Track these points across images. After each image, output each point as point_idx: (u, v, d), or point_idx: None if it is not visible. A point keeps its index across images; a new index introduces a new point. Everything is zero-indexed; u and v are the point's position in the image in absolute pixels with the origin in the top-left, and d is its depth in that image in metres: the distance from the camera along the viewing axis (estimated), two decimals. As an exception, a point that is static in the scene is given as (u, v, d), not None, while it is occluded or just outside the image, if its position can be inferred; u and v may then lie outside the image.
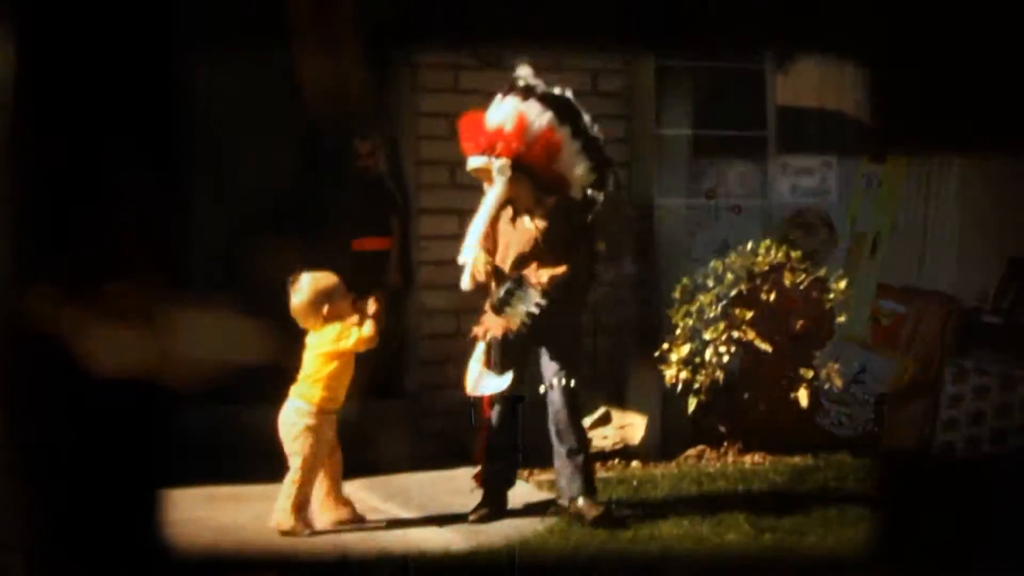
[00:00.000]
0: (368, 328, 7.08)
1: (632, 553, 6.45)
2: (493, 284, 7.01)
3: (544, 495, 7.57)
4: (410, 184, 9.27)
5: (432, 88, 9.04)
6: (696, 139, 10.01)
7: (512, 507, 7.35)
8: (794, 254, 8.85)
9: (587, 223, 7.00)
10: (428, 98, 9.06)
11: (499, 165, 6.81)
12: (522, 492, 7.81)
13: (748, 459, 8.58)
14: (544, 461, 7.40)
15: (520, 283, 6.87)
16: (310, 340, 7.20)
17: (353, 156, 9.34)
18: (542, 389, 7.07)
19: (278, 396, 8.66)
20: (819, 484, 7.83)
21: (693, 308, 8.72)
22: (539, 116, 6.92)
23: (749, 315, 8.59)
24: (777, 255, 8.81)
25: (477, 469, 7.26)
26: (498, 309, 6.90)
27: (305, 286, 7.14)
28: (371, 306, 7.11)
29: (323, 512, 7.16)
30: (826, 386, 8.76)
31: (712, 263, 8.89)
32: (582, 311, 7.31)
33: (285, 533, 6.96)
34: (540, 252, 7.00)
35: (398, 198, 9.32)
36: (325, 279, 7.17)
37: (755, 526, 6.82)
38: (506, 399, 7.04)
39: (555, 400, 7.03)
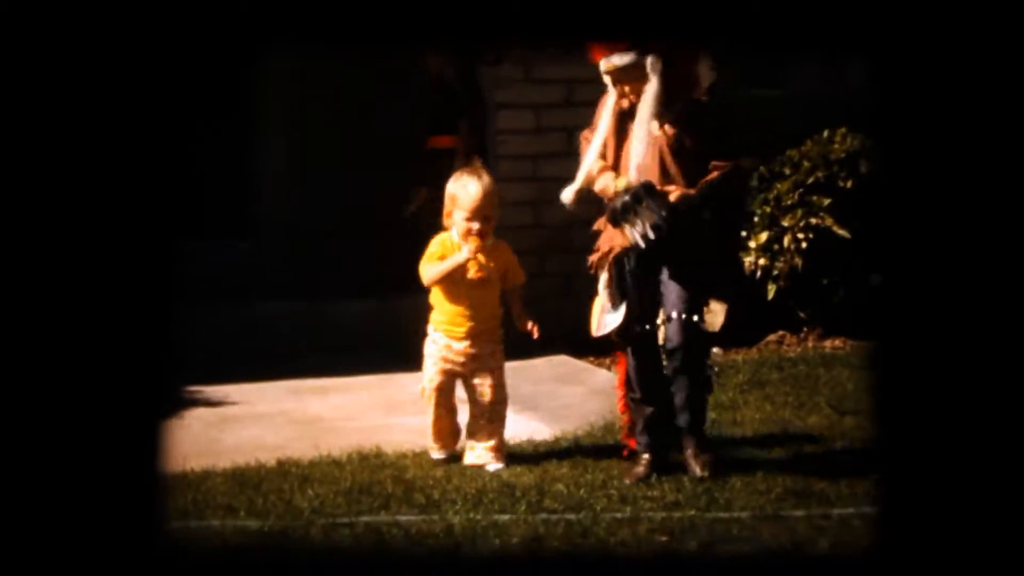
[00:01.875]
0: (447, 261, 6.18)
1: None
2: (612, 192, 5.92)
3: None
4: (485, 82, 9.29)
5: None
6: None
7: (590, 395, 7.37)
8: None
9: (722, 130, 6.07)
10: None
11: (651, 60, 5.81)
12: (603, 379, 7.89)
13: (828, 344, 8.64)
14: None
15: (649, 191, 5.75)
16: None
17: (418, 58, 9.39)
18: (660, 319, 6.03)
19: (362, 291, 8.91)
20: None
21: (770, 196, 8.73)
22: None
23: (827, 202, 8.59)
24: (853, 143, 8.78)
25: (625, 428, 6.28)
26: (616, 220, 5.80)
27: (449, 182, 6.27)
28: (465, 234, 6.17)
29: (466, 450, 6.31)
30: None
31: (788, 151, 8.88)
32: (718, 232, 6.13)
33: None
34: (670, 163, 5.93)
35: (464, 99, 9.33)
36: (457, 183, 6.20)
37: (836, 409, 6.88)
38: (640, 337, 6.06)
39: (672, 335, 5.98)
